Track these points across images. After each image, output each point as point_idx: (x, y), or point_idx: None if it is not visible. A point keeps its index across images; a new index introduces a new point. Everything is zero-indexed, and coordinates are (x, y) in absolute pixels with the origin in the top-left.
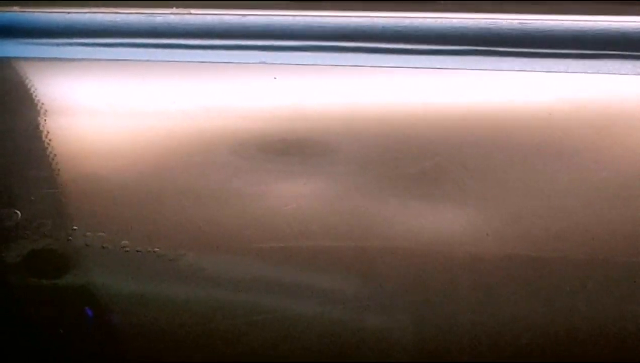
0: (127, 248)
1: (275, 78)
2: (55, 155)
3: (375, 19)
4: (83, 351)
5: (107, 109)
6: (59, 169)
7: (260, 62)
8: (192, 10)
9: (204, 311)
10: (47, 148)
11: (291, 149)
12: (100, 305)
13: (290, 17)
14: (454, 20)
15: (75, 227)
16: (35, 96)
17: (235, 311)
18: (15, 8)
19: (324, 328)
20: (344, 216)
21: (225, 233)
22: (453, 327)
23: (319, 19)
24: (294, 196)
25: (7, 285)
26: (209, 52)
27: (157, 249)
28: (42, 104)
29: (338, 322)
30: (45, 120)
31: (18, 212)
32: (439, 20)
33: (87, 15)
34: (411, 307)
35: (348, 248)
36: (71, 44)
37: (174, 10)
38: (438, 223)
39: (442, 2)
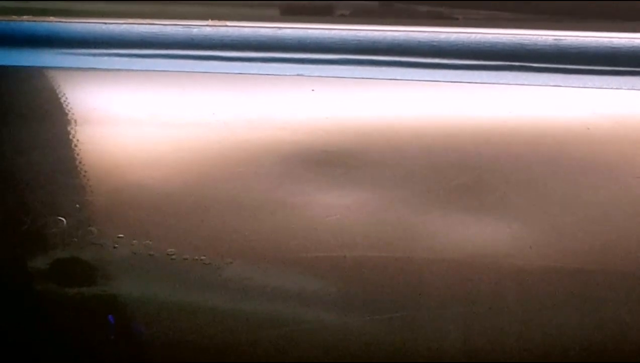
0: (174, 256)
1: (313, 90)
2: (98, 163)
3: (412, 34)
4: (129, 358)
5: (147, 119)
6: (103, 178)
7: (297, 75)
8: (228, 23)
9: (249, 320)
10: (90, 157)
11: (333, 161)
12: (147, 312)
13: (326, 31)
14: (489, 36)
15: (121, 235)
16: (75, 105)
17: (279, 320)
18: (52, 18)
19: (369, 338)
20: (387, 227)
21: (269, 243)
22: (498, 338)
23: (354, 32)
24: (337, 207)
25: (54, 292)
26: (245, 64)
27: (203, 257)
28: (82, 113)
29: (383, 332)
30: (85, 129)
31: (63, 219)
32: (475, 35)
33: (124, 26)
34: (456, 318)
35: (391, 259)
36: (108, 54)
37: (210, 22)
38: (481, 235)
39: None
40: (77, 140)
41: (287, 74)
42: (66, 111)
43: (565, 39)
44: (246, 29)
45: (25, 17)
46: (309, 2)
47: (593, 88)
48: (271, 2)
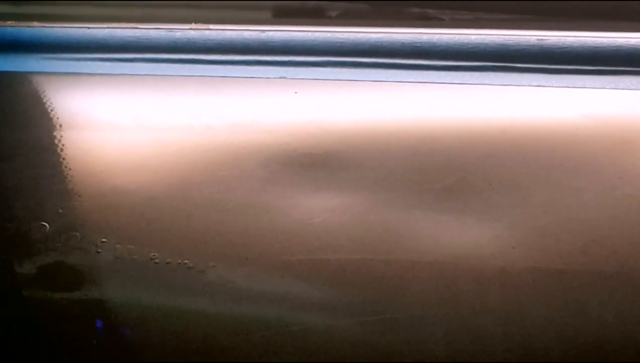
0: (157, 260)
1: (296, 93)
2: (81, 168)
3: (394, 35)
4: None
5: (130, 123)
6: (86, 183)
7: (280, 78)
8: (211, 26)
9: (233, 323)
10: (73, 161)
11: (316, 163)
12: (131, 317)
13: (310, 33)
14: (472, 37)
15: (104, 239)
16: (58, 110)
17: (263, 323)
18: (36, 23)
19: (354, 341)
20: (370, 229)
21: (253, 246)
22: (482, 339)
23: (338, 34)
24: (321, 209)
25: (38, 297)
26: (229, 67)
27: (186, 261)
28: (66, 118)
29: (367, 334)
30: (68, 134)
31: (46, 224)
32: (458, 36)
33: (107, 30)
34: (440, 320)
35: (375, 261)
36: (92, 59)
37: (194, 25)
38: (465, 236)
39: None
40: (61, 145)
41: (271, 76)
42: (49, 116)
43: (548, 39)
44: (229, 32)
45: (8, 22)
46: (300, 4)
47: (576, 88)
48: (262, 5)
